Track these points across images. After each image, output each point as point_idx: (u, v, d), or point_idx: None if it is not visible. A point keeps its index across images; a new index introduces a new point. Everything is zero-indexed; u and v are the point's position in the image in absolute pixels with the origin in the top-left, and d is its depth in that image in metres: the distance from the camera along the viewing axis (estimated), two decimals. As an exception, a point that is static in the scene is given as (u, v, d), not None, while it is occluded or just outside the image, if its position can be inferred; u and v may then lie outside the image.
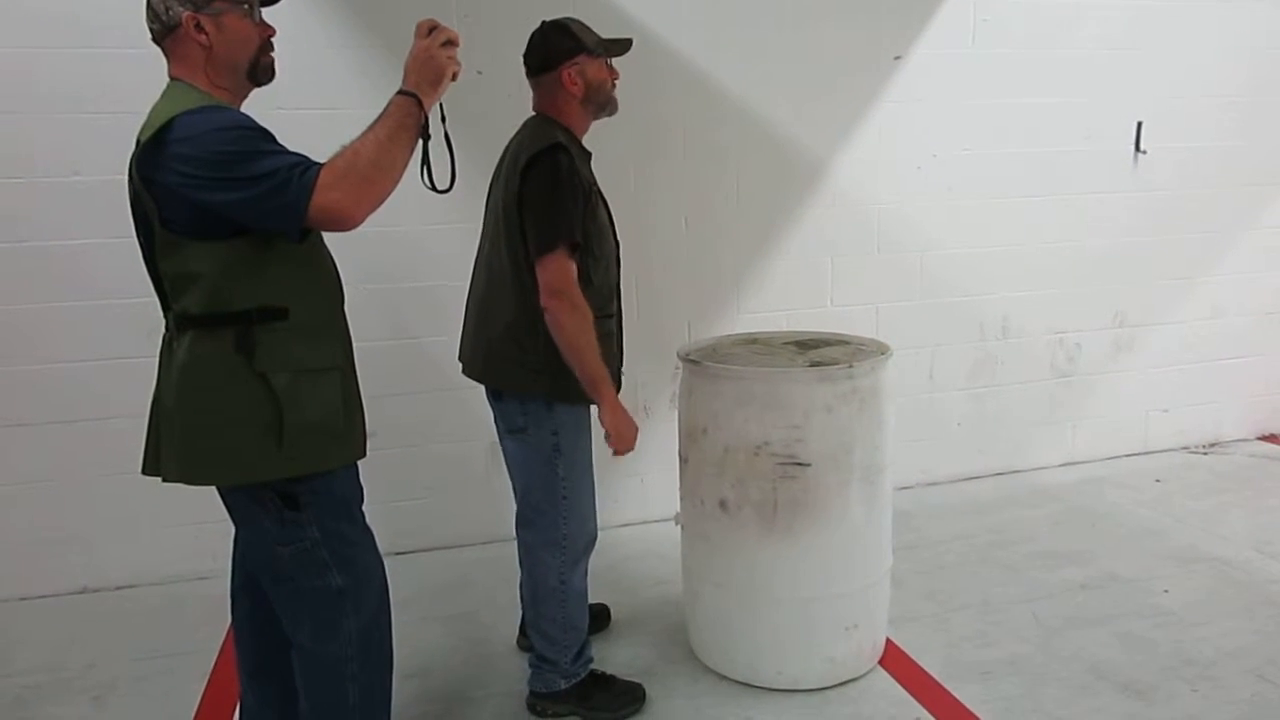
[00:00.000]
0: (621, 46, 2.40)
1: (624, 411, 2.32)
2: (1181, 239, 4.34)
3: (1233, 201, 4.38)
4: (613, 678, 2.53)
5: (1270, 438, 4.66)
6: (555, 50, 2.32)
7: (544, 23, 2.37)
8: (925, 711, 2.44)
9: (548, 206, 2.19)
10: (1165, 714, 2.40)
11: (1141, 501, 3.88)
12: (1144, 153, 4.18)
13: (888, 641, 2.72)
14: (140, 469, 1.85)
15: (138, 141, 1.70)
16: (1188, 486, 4.04)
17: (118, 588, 3.31)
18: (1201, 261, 4.40)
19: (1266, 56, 4.27)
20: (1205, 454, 4.49)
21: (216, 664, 2.78)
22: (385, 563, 1.96)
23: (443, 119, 1.89)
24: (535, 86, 2.39)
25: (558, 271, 2.18)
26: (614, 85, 2.41)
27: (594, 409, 2.38)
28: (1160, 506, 3.82)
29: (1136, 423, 4.46)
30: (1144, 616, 2.90)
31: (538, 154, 2.21)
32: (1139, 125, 4.15)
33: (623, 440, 2.32)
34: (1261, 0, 4.21)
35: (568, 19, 2.37)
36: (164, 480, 1.78)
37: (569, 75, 2.31)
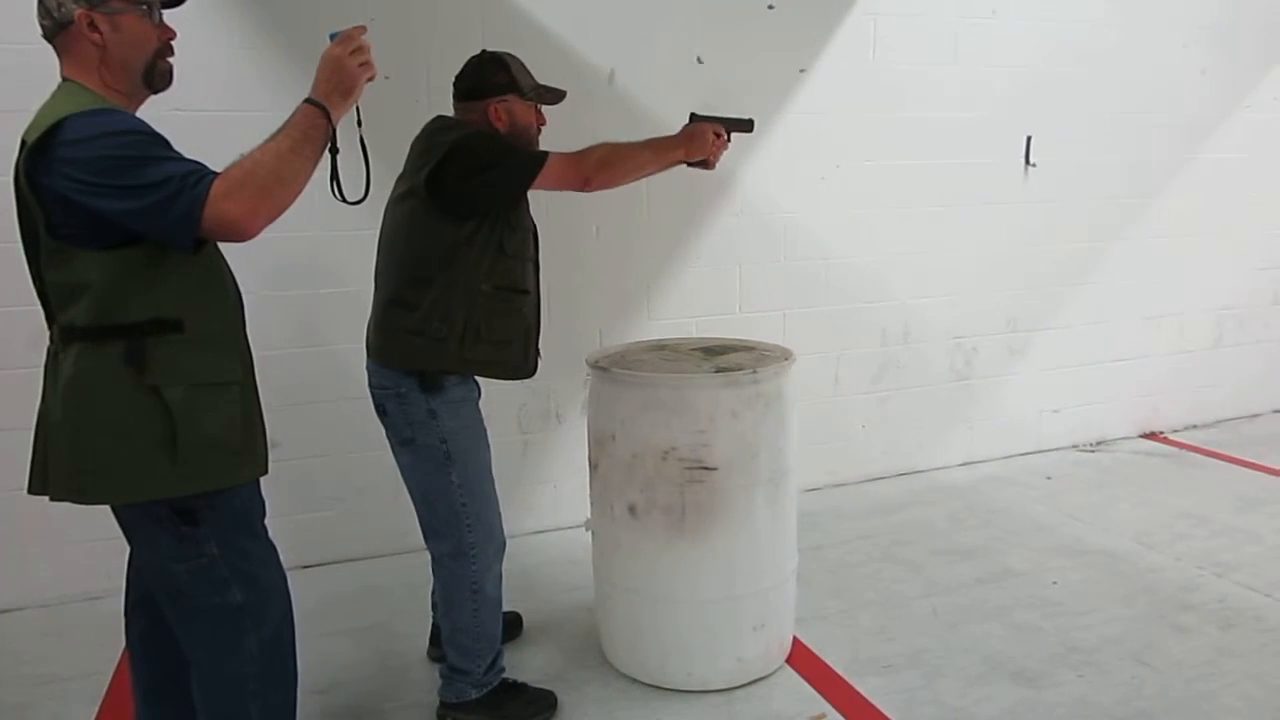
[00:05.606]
0: (555, 96, 2.42)
1: (686, 136, 2.47)
2: (1068, 248, 4.57)
3: (1115, 212, 4.63)
4: (524, 685, 2.53)
5: (1152, 435, 4.94)
6: (488, 83, 2.33)
7: (484, 52, 2.37)
8: (830, 706, 2.51)
9: (504, 151, 2.24)
10: (1053, 698, 2.52)
11: (1034, 498, 4.07)
12: (1034, 165, 4.38)
13: (795, 640, 2.78)
14: (26, 487, 1.78)
15: (23, 143, 1.63)
16: (1076, 482, 4.26)
17: (3, 611, 3.15)
18: (1087, 269, 4.64)
19: (1149, 77, 4.54)
20: (1093, 451, 4.73)
21: (110, 688, 2.67)
22: (291, 576, 1.93)
23: (359, 122, 1.87)
24: (459, 110, 2.38)
25: (562, 169, 2.25)
26: (539, 130, 2.42)
27: (485, 412, 2.37)
28: (1051, 502, 4.01)
29: (1030, 423, 4.67)
30: (1034, 607, 3.04)
31: (463, 135, 2.22)
32: (1029, 140, 4.36)
33: (703, 147, 2.47)
34: (1145, 26, 4.47)
35: (508, 55, 2.37)
36: (52, 499, 1.71)
37: (495, 110, 2.32)
